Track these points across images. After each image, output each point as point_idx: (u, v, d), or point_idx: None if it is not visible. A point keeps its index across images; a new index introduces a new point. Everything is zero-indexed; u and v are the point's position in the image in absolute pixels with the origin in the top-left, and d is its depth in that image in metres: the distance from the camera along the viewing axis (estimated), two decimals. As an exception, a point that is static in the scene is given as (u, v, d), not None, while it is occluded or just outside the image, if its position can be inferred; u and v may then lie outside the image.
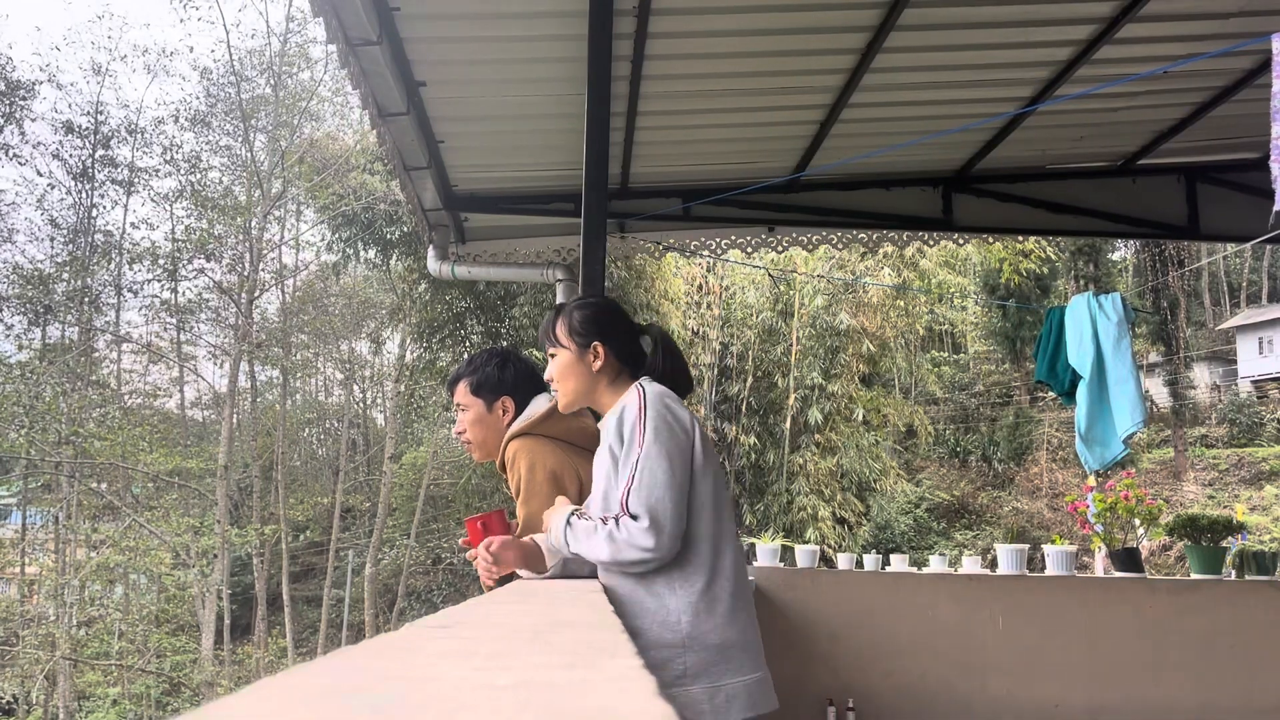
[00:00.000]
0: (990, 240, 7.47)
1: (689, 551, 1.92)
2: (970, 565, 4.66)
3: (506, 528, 2.37)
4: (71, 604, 17.06)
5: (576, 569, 2.11)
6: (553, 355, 2.16)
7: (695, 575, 1.92)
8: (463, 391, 2.59)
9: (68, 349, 20.50)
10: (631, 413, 1.94)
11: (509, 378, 2.55)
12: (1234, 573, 4.32)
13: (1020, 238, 12.79)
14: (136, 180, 22.53)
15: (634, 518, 1.83)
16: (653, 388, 2.01)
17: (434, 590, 23.71)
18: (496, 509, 2.44)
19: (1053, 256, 20.07)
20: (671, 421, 1.92)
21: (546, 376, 2.22)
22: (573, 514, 1.96)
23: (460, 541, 2.45)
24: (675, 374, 2.12)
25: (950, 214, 5.17)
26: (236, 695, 0.52)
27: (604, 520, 1.88)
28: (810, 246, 5.37)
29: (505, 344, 14.67)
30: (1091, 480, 4.83)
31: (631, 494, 1.85)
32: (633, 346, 2.15)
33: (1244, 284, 36.19)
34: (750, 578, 4.01)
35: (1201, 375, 29.21)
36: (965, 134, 4.58)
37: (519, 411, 2.53)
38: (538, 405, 2.51)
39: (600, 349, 2.10)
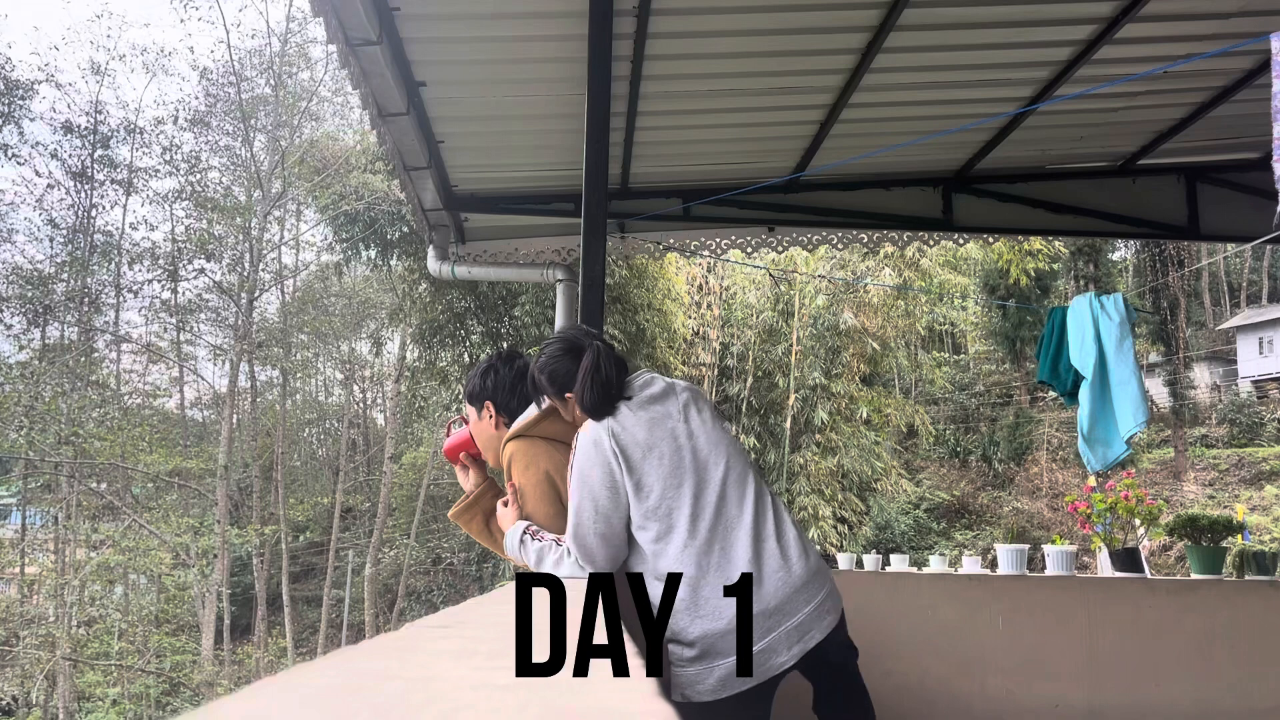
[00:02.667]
0: (991, 240, 7.46)
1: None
2: (970, 565, 4.66)
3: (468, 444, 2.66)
4: (71, 604, 17.04)
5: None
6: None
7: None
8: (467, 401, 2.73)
9: (67, 349, 20.48)
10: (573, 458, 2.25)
11: (489, 385, 2.60)
12: (1234, 573, 4.32)
13: (1025, 237, 12.76)
14: (136, 180, 22.51)
15: (569, 552, 2.24)
16: (585, 434, 2.23)
17: (434, 590, 23.70)
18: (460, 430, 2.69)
19: (1063, 252, 19.85)
20: (593, 462, 2.18)
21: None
22: (525, 532, 2.32)
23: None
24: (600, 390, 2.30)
25: (950, 214, 5.16)
26: (236, 695, 0.52)
27: (558, 543, 2.27)
28: (810, 246, 5.36)
29: (506, 344, 14.66)
30: (1092, 480, 4.83)
31: (569, 533, 2.22)
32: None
33: (1244, 284, 36.12)
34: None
35: (1201, 375, 29.17)
36: (965, 134, 4.57)
37: (506, 415, 2.57)
38: (534, 407, 2.52)
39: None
